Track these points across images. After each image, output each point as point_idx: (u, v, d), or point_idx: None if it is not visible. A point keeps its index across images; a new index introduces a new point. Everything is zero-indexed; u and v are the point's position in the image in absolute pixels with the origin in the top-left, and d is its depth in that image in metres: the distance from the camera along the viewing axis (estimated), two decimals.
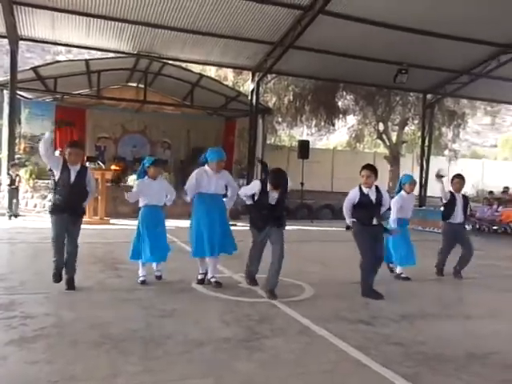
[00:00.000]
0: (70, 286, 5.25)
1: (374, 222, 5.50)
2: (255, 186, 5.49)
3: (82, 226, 5.42)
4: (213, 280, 5.64)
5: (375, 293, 5.41)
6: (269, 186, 5.35)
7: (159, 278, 5.88)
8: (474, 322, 4.95)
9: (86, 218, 10.52)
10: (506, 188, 17.18)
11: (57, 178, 5.17)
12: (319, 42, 13.34)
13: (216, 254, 5.53)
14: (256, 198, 5.43)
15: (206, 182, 5.52)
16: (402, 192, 6.64)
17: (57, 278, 5.22)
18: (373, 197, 5.47)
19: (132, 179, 14.37)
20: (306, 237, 11.87)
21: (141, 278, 5.70)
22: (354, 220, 5.64)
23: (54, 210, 5.21)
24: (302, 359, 3.53)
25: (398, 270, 6.60)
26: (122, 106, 17.49)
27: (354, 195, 5.56)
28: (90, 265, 6.52)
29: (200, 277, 5.77)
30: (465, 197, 7.02)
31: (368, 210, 5.45)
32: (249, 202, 5.60)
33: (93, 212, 11.99)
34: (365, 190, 5.49)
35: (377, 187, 5.54)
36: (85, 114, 17.24)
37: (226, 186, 5.76)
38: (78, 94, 16.54)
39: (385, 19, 12.16)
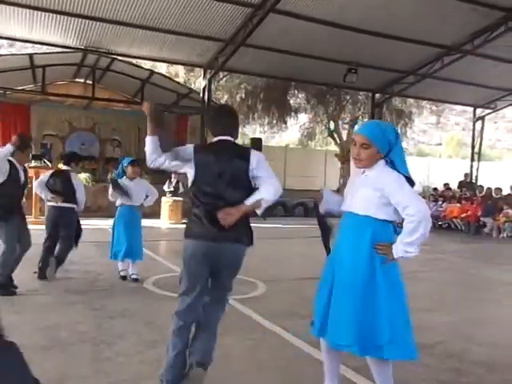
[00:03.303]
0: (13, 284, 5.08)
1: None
2: None
3: (30, 227, 5.27)
4: None
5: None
6: None
7: (136, 280, 5.81)
8: (421, 313, 5.11)
9: (32, 219, 10.30)
10: (447, 184, 17.85)
11: (2, 180, 4.82)
12: (270, 40, 13.40)
13: None
14: None
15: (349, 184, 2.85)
16: None
17: (5, 290, 4.94)
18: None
19: (83, 177, 13.98)
20: (261, 234, 11.88)
21: (121, 273, 5.81)
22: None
23: (6, 214, 4.85)
24: (256, 356, 3.55)
25: None
26: (69, 102, 16.91)
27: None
28: (37, 266, 6.28)
29: None
30: None
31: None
32: None
33: (39, 212, 11.56)
34: None
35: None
36: (29, 110, 16.58)
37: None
38: (22, 89, 15.88)
39: (334, 19, 12.36)
